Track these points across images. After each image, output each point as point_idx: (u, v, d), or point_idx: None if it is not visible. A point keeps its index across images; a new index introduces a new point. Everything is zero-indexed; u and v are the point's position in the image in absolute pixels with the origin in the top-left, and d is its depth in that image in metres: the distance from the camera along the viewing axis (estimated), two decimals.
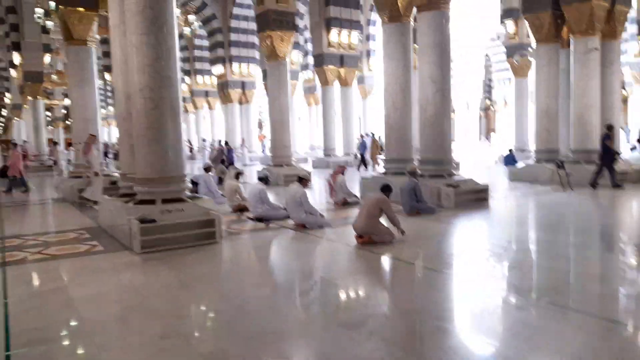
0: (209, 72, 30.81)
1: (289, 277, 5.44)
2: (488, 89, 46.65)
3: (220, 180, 13.69)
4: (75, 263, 6.08)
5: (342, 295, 4.74)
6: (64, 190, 12.56)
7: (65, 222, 9.16)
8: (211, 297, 4.75)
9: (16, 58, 25.79)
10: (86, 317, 4.14)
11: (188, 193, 7.43)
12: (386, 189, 6.83)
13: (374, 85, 28.46)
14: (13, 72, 30.93)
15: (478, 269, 5.45)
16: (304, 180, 8.00)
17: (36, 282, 5.32)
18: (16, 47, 25.15)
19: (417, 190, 8.77)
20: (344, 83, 22.87)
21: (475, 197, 9.85)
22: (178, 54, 7.41)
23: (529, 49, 20.09)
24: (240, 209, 9.67)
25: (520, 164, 15.46)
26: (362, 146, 20.69)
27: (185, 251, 6.38)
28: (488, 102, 47.84)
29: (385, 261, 5.89)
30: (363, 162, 20.21)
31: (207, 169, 11.39)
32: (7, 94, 41.48)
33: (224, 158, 20.05)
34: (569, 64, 14.11)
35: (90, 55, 12.94)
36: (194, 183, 11.66)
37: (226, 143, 19.40)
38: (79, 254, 6.48)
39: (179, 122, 7.24)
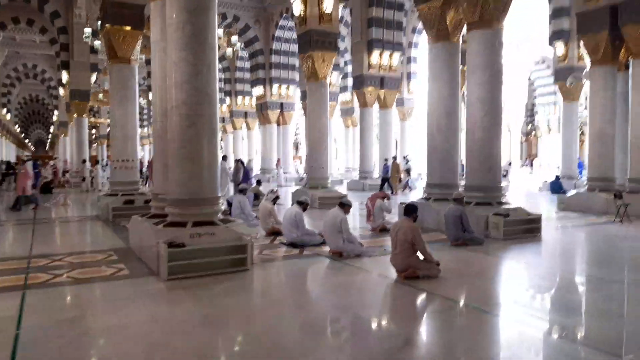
0: (249, 93, 31.04)
1: (323, 315, 4.89)
2: (530, 113, 45.24)
3: (257, 197, 13.41)
4: (98, 288, 5.76)
5: (383, 340, 4.18)
6: (100, 207, 12.50)
7: (95, 242, 8.98)
8: (240, 337, 4.29)
9: (64, 76, 26.68)
10: (101, 354, 3.75)
11: (221, 216, 7.07)
12: (411, 211, 6.20)
13: (414, 108, 28.00)
14: (61, 91, 32.13)
15: (533, 311, 4.80)
16: (346, 207, 7.50)
17: (53, 309, 4.99)
18: (65, 66, 25.99)
19: (463, 218, 8.13)
20: (383, 105, 22.45)
21: (526, 228, 9.09)
22: (218, 72, 7.16)
23: (584, 72, 19.15)
24: (274, 233, 9.26)
25: (571, 192, 14.48)
26: (385, 170, 20.07)
27: (214, 279, 5.97)
28: (530, 126, 46.35)
29: (430, 299, 5.29)
30: (384, 184, 19.56)
31: (242, 191, 11.07)
32: (55, 112, 43.08)
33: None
34: (625, 87, 13.25)
35: (133, 73, 13.02)
36: (229, 204, 11.38)
37: (240, 161, 19.00)
38: (103, 278, 6.17)
39: (215, 142, 6.94)
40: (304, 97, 26.00)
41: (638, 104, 12.09)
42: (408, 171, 21.21)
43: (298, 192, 15.16)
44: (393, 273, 6.12)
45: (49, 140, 70.46)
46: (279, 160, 26.56)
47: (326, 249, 7.71)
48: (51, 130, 59.79)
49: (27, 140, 73.47)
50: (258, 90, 28.14)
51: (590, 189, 13.08)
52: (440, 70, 10.37)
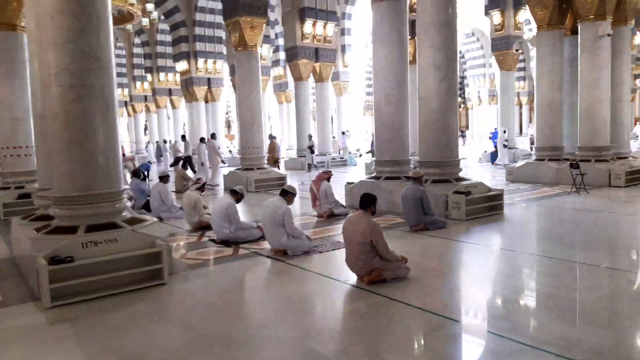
0: (172, 69, 28.51)
1: (264, 354, 3.51)
2: (460, 86, 45.69)
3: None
4: None
5: None
6: None
7: None
8: None
9: None
10: None
11: (127, 214, 5.47)
12: (368, 202, 4.81)
13: (350, 82, 26.90)
14: None
15: (526, 320, 3.72)
16: (289, 195, 6.09)
17: None
18: None
19: (424, 200, 7.02)
20: (319, 79, 21.14)
21: (488, 206, 8.19)
22: (112, 27, 5.46)
23: (531, 37, 18.75)
24: (202, 227, 7.76)
25: (519, 162, 13.96)
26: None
27: (117, 301, 4.45)
28: (460, 99, 46.92)
29: (407, 314, 4.08)
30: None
31: (162, 178, 9.38)
32: None
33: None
34: (572, 53, 12.72)
35: (21, 43, 10.73)
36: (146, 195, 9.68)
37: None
38: None
39: (113, 119, 5.29)
40: (232, 72, 24.01)
41: (588, 70, 11.53)
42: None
43: (231, 175, 13.59)
44: (351, 275, 4.88)
45: None
46: (202, 139, 24.50)
47: (266, 245, 6.36)
48: None
49: None
50: (182, 65, 25.71)
51: (539, 158, 12.54)
52: (387, 33, 9.11)
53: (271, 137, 20.31)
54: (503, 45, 19.51)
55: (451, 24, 8.33)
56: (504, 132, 19.04)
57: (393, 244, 5.08)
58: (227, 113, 47.33)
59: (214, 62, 25.98)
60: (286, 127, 32.25)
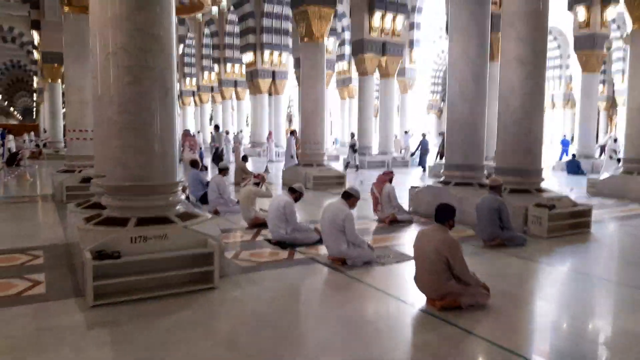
0: (239, 61, 28.65)
1: None
2: None
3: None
4: None
5: None
6: (54, 186, 10.52)
7: (29, 233, 7.02)
8: None
9: (36, 38, 24.16)
10: None
11: (181, 208, 5.14)
12: (448, 214, 4.16)
13: (415, 79, 25.90)
14: (35, 54, 29.60)
15: None
16: (352, 199, 5.53)
17: None
18: (36, 26, 23.49)
19: (502, 212, 6.26)
20: (385, 74, 20.34)
21: (573, 222, 7.27)
22: (174, 7, 5.13)
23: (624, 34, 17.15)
24: (258, 225, 7.38)
25: (604, 175, 12.65)
26: (424, 145, 18.30)
27: (161, 306, 4.09)
28: None
29: (479, 350, 3.44)
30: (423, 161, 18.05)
31: (222, 170, 9.10)
32: (35, 78, 40.25)
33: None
34: None
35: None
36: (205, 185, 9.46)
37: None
38: (5, 299, 4.27)
39: (171, 105, 4.96)
40: (297, 64, 23.76)
41: None
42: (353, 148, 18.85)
43: (290, 170, 13.24)
44: (418, 295, 4.28)
45: (34, 109, 67.22)
46: (270, 133, 24.41)
47: (323, 250, 5.87)
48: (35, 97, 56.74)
49: (12, 109, 70.19)
50: (248, 56, 25.74)
51: (628, 171, 11.26)
52: (466, 23, 8.31)
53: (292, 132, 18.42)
54: (587, 44, 17.89)
55: (541, 13, 7.44)
56: (615, 140, 17.34)
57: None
58: (289, 107, 47.43)
59: (280, 55, 25.83)
60: (347, 123, 31.72)
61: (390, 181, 8.06)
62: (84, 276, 4.12)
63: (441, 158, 17.98)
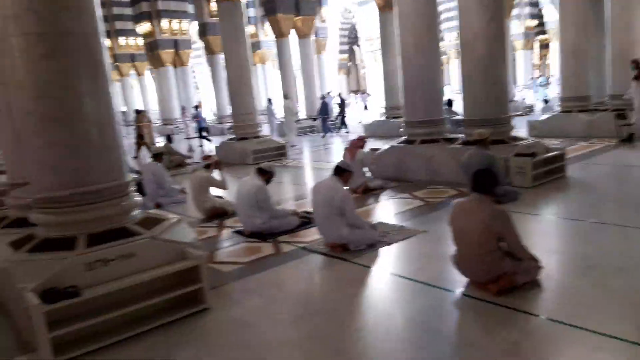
0: (133, 32, 25.90)
1: None
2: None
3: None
4: None
5: None
6: None
7: None
8: None
9: None
10: None
11: (139, 212, 3.97)
12: (490, 181, 3.49)
13: (328, 39, 25.07)
14: None
15: None
16: (346, 173, 4.69)
17: None
18: None
19: (494, 167, 5.75)
20: (302, 34, 19.30)
21: (549, 168, 6.97)
22: None
23: None
24: (217, 215, 6.31)
25: (544, 115, 12.84)
26: (324, 109, 17.35)
27: (148, 347, 3.05)
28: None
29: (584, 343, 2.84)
30: (324, 124, 17.13)
31: (156, 156, 7.77)
32: None
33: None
34: None
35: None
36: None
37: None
38: None
39: (105, 82, 3.72)
40: (202, 32, 21.90)
41: (621, 9, 10.40)
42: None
43: (224, 146, 12.03)
44: (453, 279, 3.61)
45: None
46: (183, 108, 22.53)
47: (310, 236, 5.02)
48: None
49: None
50: (144, 27, 23.22)
51: (566, 110, 11.43)
52: None
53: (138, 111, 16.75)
54: None
55: None
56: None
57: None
58: (194, 77, 44.62)
59: (179, 22, 23.62)
60: (263, 90, 30.32)
61: (362, 147, 7.28)
62: (34, 327, 2.94)
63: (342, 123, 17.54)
